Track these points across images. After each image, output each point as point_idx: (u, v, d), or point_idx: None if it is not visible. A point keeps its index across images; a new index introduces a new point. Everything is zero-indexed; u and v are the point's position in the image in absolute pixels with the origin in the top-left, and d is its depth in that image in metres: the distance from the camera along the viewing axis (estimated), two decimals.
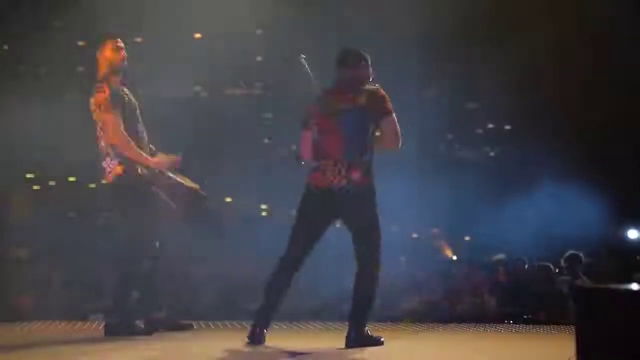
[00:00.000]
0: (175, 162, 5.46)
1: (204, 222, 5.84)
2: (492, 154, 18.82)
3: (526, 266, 9.70)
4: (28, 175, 16.48)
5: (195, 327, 5.70)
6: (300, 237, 4.80)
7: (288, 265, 4.81)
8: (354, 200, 4.69)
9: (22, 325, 6.13)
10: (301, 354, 4.34)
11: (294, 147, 4.84)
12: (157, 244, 5.31)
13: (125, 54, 5.32)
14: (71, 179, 16.94)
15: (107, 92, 5.15)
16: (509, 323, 7.87)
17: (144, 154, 5.24)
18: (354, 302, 4.70)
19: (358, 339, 4.62)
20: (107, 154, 5.21)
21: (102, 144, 5.23)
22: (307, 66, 4.98)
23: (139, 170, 5.18)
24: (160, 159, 5.36)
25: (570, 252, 9.05)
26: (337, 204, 4.71)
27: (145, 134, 5.37)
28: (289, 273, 4.82)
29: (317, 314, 8.52)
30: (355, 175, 4.66)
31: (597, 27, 12.36)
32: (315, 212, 4.78)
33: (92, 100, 5.21)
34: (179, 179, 5.39)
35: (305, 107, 4.89)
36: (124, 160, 5.16)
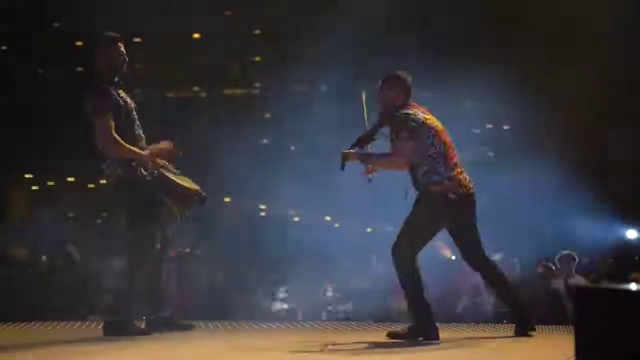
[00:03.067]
0: (169, 150, 5.39)
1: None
2: (491, 153, 18.79)
3: (517, 267, 9.71)
4: (27, 176, 16.50)
5: (197, 327, 5.70)
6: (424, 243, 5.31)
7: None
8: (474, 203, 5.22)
9: (22, 325, 6.14)
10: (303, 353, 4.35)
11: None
12: (158, 244, 5.31)
13: (124, 56, 5.30)
14: (70, 179, 16.95)
15: (101, 94, 5.14)
16: (508, 323, 7.86)
17: (136, 149, 5.20)
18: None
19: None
20: (105, 155, 5.21)
21: (99, 145, 5.22)
22: (364, 103, 5.29)
23: (139, 170, 5.18)
24: (153, 150, 5.29)
25: (564, 251, 9.05)
26: (471, 208, 5.17)
27: (142, 136, 5.35)
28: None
29: (318, 315, 8.53)
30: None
31: (598, 27, 12.36)
32: (455, 217, 5.18)
33: (87, 102, 5.20)
34: (179, 180, 5.39)
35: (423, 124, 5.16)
36: (122, 161, 5.16)
